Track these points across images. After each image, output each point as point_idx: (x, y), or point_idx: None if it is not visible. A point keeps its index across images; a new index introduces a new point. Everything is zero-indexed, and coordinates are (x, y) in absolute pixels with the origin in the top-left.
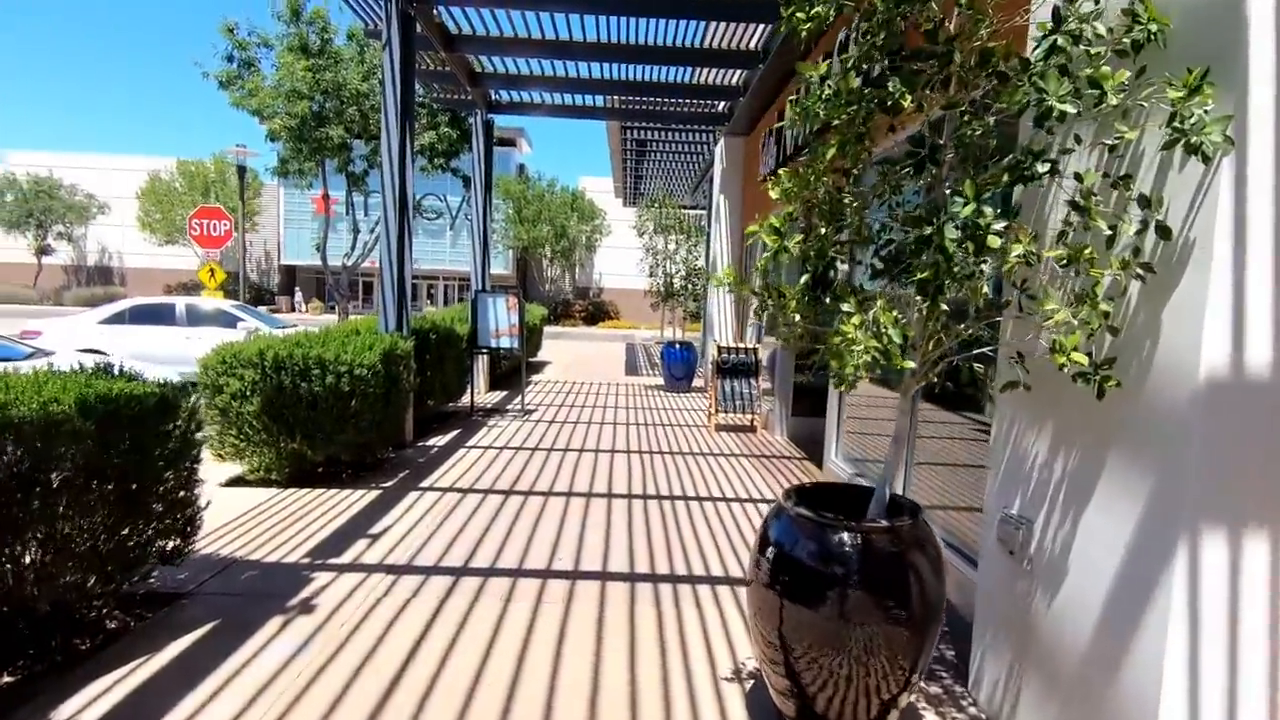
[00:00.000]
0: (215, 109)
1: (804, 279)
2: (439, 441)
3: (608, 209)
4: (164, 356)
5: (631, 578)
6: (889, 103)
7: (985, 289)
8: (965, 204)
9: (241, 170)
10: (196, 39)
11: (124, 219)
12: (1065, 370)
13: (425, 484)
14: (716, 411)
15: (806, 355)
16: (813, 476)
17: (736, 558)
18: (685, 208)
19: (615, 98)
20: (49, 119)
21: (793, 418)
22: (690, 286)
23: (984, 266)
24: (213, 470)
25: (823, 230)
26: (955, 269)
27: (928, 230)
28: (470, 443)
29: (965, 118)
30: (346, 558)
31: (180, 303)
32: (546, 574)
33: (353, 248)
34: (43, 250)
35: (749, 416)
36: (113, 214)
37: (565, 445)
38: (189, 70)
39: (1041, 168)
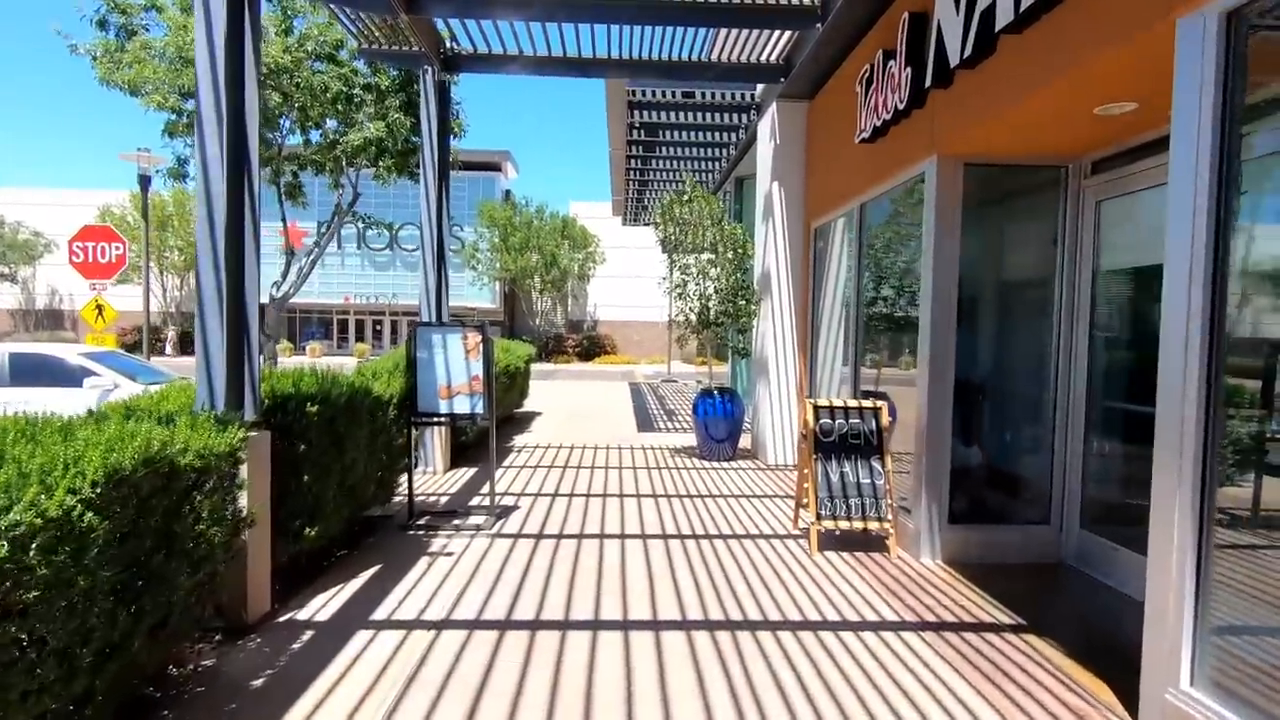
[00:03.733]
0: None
1: None
2: (324, 608)
3: (602, 235)
4: None
5: None
6: None
7: None
8: None
9: (144, 181)
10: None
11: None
12: None
13: None
14: (819, 516)
15: None
16: (1102, 710)
17: None
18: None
19: (622, 37)
20: None
21: (953, 527)
22: (735, 309)
23: None
24: None
25: None
26: None
27: None
28: (382, 610)
29: None
30: None
31: (1, 352)
32: None
33: (284, 275)
34: None
35: (875, 524)
36: (61, 252)
37: (564, 610)
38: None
39: None
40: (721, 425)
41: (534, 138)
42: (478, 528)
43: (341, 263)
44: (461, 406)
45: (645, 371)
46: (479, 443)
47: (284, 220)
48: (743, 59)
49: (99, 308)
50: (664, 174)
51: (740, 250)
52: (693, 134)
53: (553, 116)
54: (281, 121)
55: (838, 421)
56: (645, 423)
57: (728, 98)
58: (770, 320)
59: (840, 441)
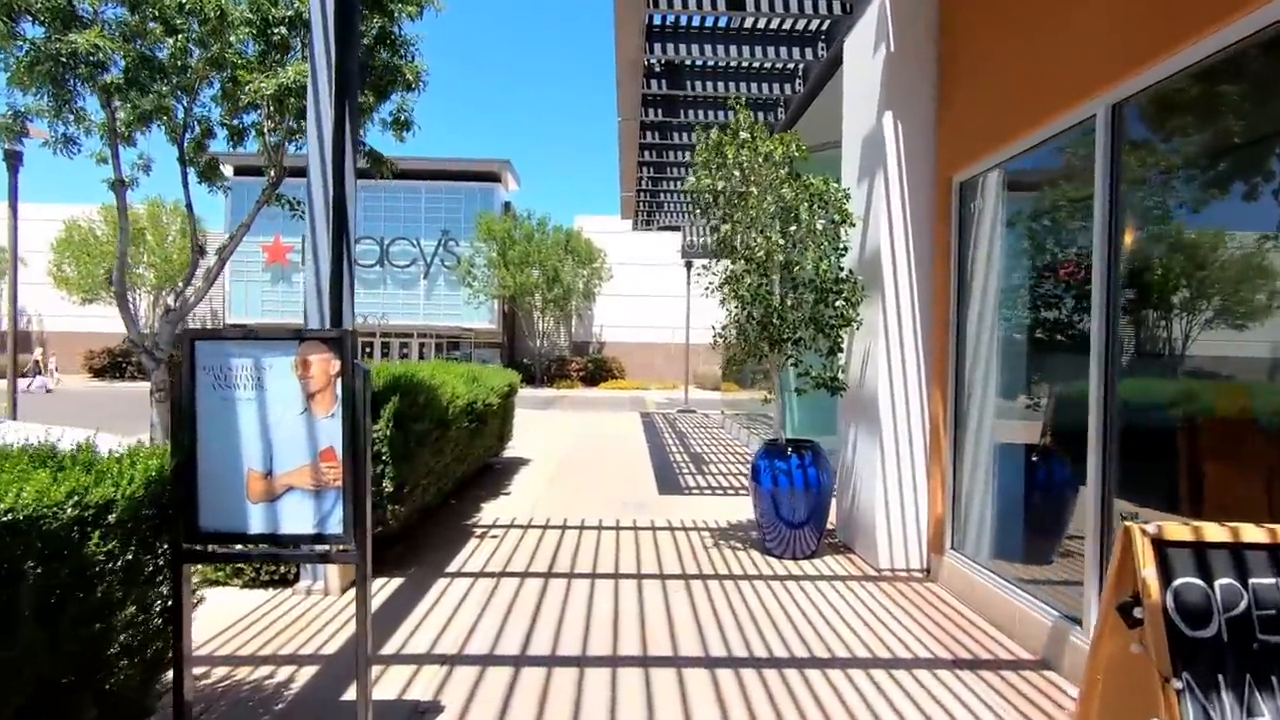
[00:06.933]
0: (156, 149)
1: None
2: None
3: (609, 250)
4: None
5: None
6: None
7: None
8: None
9: (12, 161)
10: None
11: (43, 276)
12: None
13: None
14: None
15: None
16: None
17: None
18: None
19: None
20: None
21: None
22: (826, 315)
23: None
24: None
25: None
26: None
27: None
28: None
29: None
30: None
31: None
32: None
33: (189, 278)
34: None
35: None
36: (30, 270)
37: None
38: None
39: None
40: (801, 501)
41: (536, 151)
42: None
43: (216, 253)
44: (296, 516)
45: (657, 399)
46: (422, 523)
47: (190, 207)
48: None
49: None
50: (689, 154)
51: (840, 219)
52: (733, 85)
53: (555, 124)
54: (202, 91)
55: (1221, 583)
56: (668, 478)
57: (793, 9)
58: (881, 334)
59: (1240, 639)
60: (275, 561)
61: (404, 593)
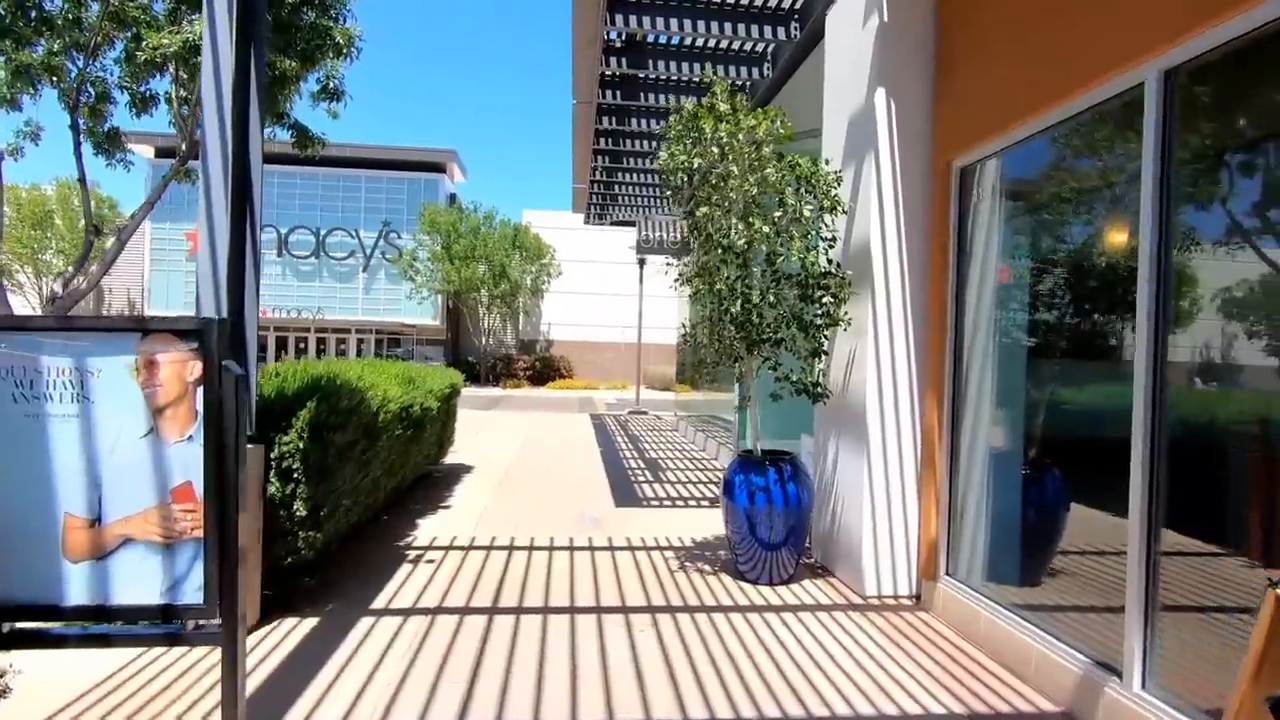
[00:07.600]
0: (57, 117)
1: None
2: None
3: (558, 246)
4: None
5: None
6: None
7: None
8: None
9: None
10: None
11: None
12: None
13: None
14: None
15: None
16: None
17: None
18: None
19: None
20: None
21: None
22: (811, 313)
23: None
24: None
25: None
26: None
27: None
28: None
29: None
30: None
31: None
32: None
33: (80, 261)
34: None
35: None
36: None
37: None
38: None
39: None
40: (779, 520)
41: (484, 146)
42: None
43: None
44: (136, 580)
45: (607, 399)
46: (346, 544)
47: (83, 180)
48: None
49: None
50: (647, 143)
51: (827, 204)
52: (697, 66)
53: (505, 119)
54: (104, 53)
55: None
56: (625, 488)
57: None
58: (869, 335)
59: None
60: (105, 643)
61: (316, 639)
